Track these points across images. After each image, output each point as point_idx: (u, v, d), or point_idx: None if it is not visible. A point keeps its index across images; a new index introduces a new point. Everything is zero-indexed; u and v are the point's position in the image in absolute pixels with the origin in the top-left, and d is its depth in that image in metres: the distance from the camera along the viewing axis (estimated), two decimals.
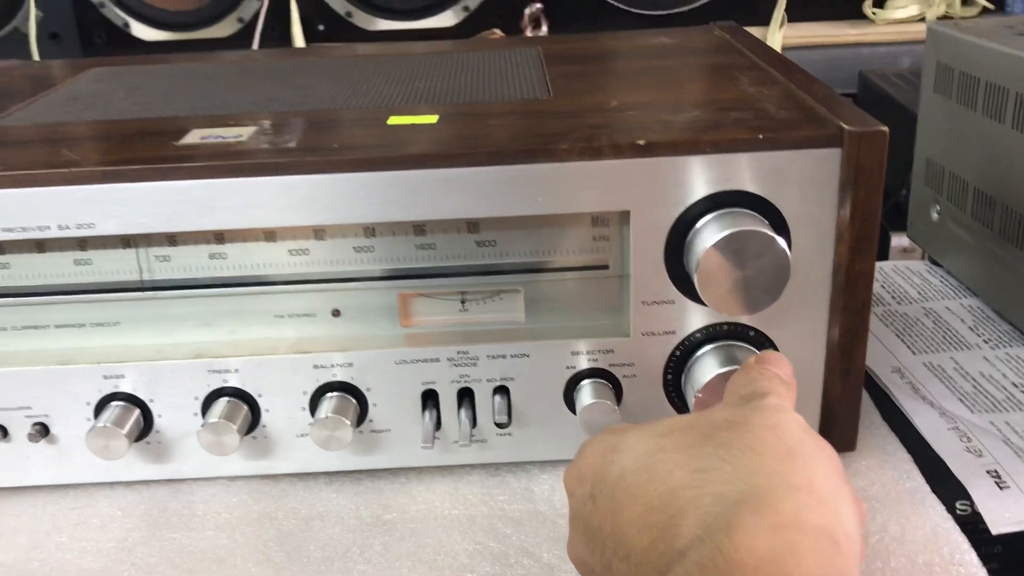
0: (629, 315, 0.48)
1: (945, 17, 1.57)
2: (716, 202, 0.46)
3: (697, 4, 1.58)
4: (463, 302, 0.50)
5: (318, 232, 0.49)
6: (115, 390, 0.49)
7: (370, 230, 0.49)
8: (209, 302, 0.50)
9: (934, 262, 0.75)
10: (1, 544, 0.48)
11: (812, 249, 0.47)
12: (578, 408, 0.48)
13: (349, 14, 1.65)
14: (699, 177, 0.45)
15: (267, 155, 0.46)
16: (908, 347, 0.64)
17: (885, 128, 0.44)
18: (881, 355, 0.62)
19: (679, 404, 0.50)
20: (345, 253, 0.49)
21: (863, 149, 0.45)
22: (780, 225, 0.46)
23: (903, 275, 0.75)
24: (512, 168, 0.45)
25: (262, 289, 0.50)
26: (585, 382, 0.49)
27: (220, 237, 0.49)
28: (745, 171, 0.45)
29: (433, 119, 0.51)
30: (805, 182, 0.46)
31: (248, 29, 1.67)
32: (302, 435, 0.50)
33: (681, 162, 0.45)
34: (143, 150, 0.48)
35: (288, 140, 0.48)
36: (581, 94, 0.55)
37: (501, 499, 0.50)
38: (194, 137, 0.49)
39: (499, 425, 0.50)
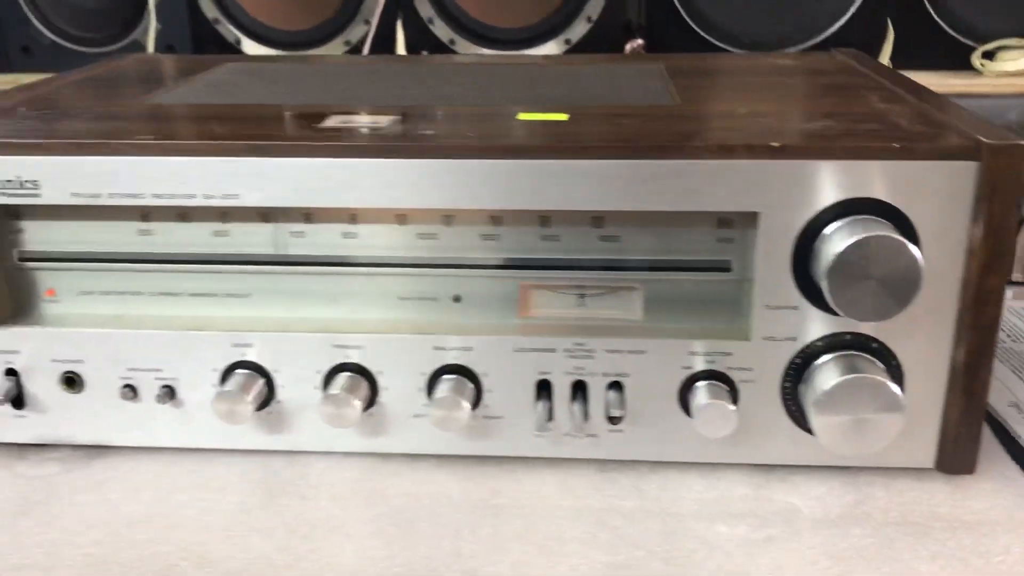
0: (751, 319, 0.48)
1: None
2: (846, 209, 0.46)
3: (800, 47, 1.58)
4: (581, 296, 0.51)
5: (447, 218, 0.50)
6: (242, 358, 0.51)
7: (497, 219, 0.50)
8: (338, 280, 0.51)
9: None
10: (127, 498, 0.50)
11: (942, 263, 0.46)
12: (695, 409, 0.49)
13: (452, 41, 1.68)
14: (831, 182, 0.45)
15: (405, 139, 0.48)
16: (1018, 374, 0.62)
17: (1023, 142, 0.44)
18: (998, 390, 0.61)
19: (795, 413, 0.50)
20: (472, 240, 0.50)
21: (1001, 163, 0.44)
22: (910, 235, 0.46)
23: (1018, 315, 0.73)
24: (644, 163, 0.46)
25: (389, 271, 0.51)
26: (701, 383, 0.49)
27: (353, 217, 0.50)
28: (878, 179, 0.45)
29: (563, 116, 0.52)
30: (939, 194, 0.45)
31: (354, 52, 1.72)
32: (417, 416, 0.51)
33: (814, 166, 0.45)
34: (286, 129, 0.50)
35: (425, 128, 0.50)
36: (709, 102, 0.56)
37: (610, 494, 0.50)
38: (334, 121, 0.51)
39: (611, 420, 0.51)
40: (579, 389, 0.51)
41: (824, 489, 0.50)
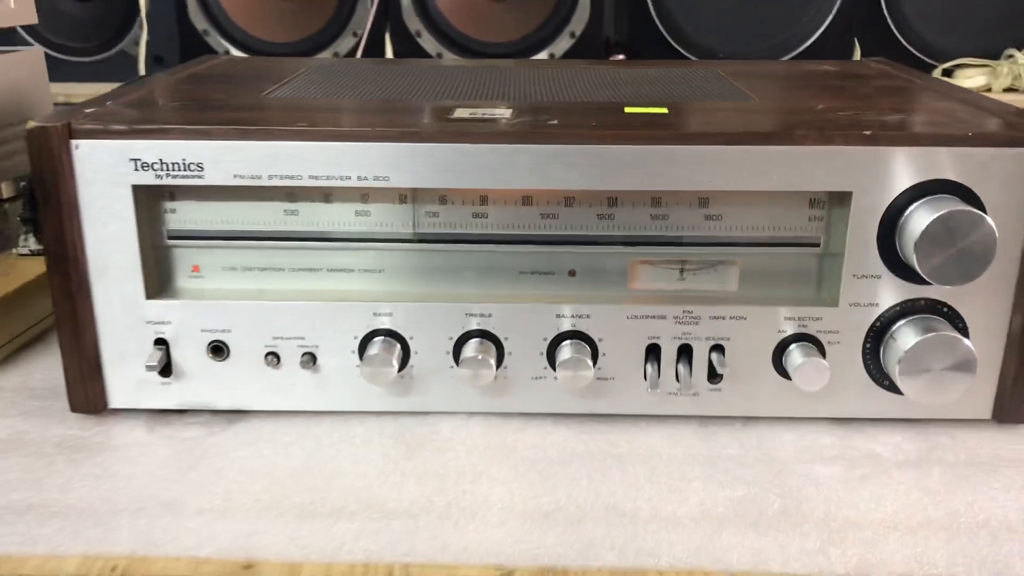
0: (839, 287, 0.55)
1: (1010, 89, 1.65)
2: (925, 189, 0.53)
3: (779, 63, 1.67)
4: (684, 270, 0.57)
5: (568, 198, 0.56)
6: (381, 327, 0.56)
7: (612, 199, 0.56)
8: (467, 256, 0.57)
9: None
10: (280, 453, 0.54)
11: (1004, 236, 0.53)
12: (792, 367, 0.55)
13: (439, 54, 1.74)
14: (914, 166, 0.52)
15: (535, 127, 0.54)
16: None
17: None
18: None
19: (873, 371, 0.57)
20: (589, 219, 0.56)
21: None
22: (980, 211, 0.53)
23: None
24: (752, 148, 0.53)
25: (513, 248, 0.57)
26: (794, 345, 0.56)
27: (484, 198, 0.56)
28: (952, 163, 0.52)
29: (664, 110, 0.59)
30: (1005, 175, 0.53)
31: None
32: (537, 377, 0.57)
33: (901, 152, 0.52)
34: (426, 118, 0.56)
35: (548, 119, 0.56)
36: (785, 99, 0.63)
37: (715, 444, 0.56)
38: (463, 112, 0.57)
39: (711, 380, 0.57)
40: (683, 353, 0.57)
41: (900, 438, 0.57)
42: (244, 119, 0.55)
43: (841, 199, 0.54)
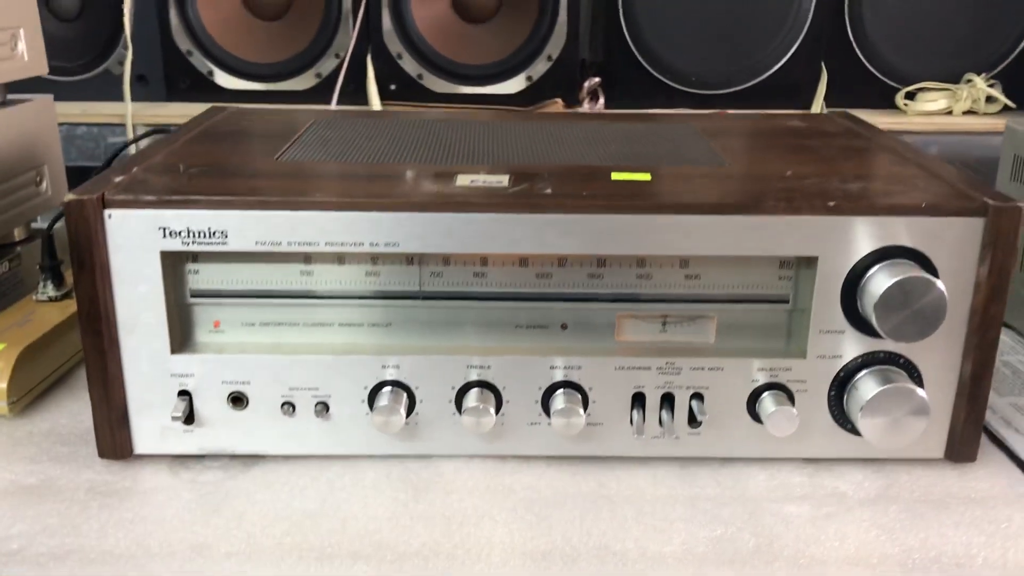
0: (807, 340, 0.61)
1: (970, 112, 1.73)
2: (884, 254, 0.59)
3: (742, 87, 1.74)
4: (666, 324, 0.63)
5: (561, 260, 0.61)
6: (388, 378, 0.61)
7: (602, 261, 0.61)
8: (468, 312, 0.62)
9: (1005, 324, 0.88)
10: (297, 496, 0.59)
11: (955, 297, 0.59)
12: (765, 414, 0.61)
13: (420, 76, 1.78)
14: (873, 233, 0.58)
15: (533, 198, 0.59)
16: (995, 391, 0.76)
17: (1022, 204, 0.58)
18: None
19: (838, 415, 0.62)
20: (580, 278, 0.61)
21: (1003, 219, 0.58)
22: (933, 275, 0.59)
23: None
24: (727, 218, 0.58)
25: (510, 304, 0.62)
26: (767, 393, 0.61)
27: (484, 260, 0.61)
28: (909, 231, 0.58)
29: (647, 176, 0.64)
30: (954, 242, 0.58)
31: (325, 84, 1.80)
32: (532, 423, 0.62)
33: (861, 221, 0.58)
34: (431, 187, 0.61)
35: (543, 187, 0.61)
36: (755, 164, 0.68)
37: (694, 484, 0.61)
38: (465, 180, 0.62)
39: (691, 424, 0.62)
40: (666, 400, 0.62)
41: (861, 476, 0.63)
42: (265, 188, 0.60)
43: (808, 262, 0.60)
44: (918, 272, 0.57)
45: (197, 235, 0.58)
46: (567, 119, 0.83)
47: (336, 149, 0.71)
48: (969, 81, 1.72)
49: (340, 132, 0.77)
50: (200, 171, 0.64)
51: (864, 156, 0.71)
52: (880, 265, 0.58)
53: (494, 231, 0.58)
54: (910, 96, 1.75)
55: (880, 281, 0.57)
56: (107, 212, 0.57)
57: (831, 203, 0.58)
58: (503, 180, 0.62)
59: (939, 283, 0.57)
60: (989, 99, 1.72)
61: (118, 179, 0.61)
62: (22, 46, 0.82)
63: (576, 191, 0.61)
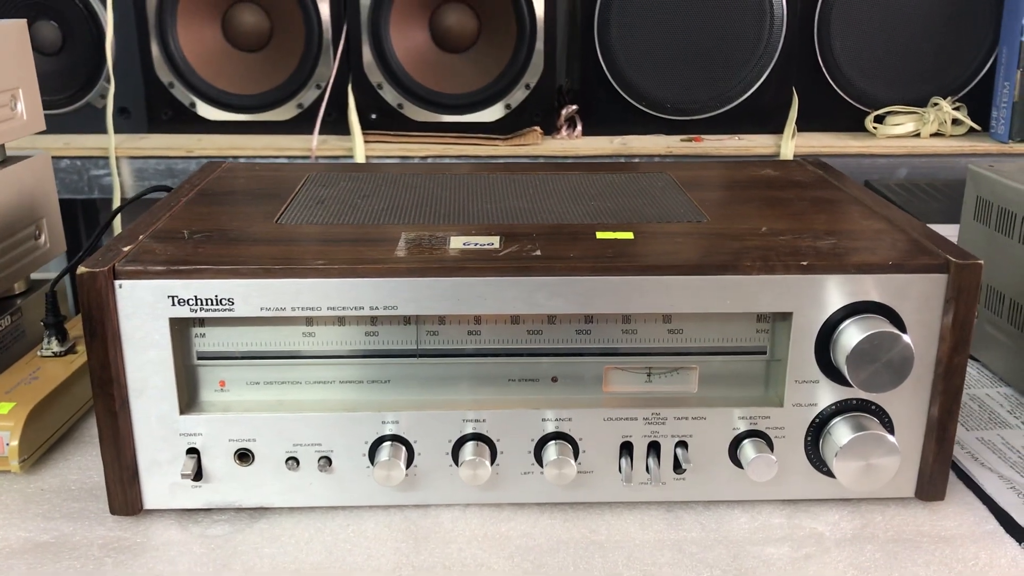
0: (784, 389, 0.64)
1: (937, 134, 1.78)
2: (854, 309, 0.62)
3: (716, 113, 1.78)
4: (649, 375, 0.66)
5: (550, 317, 0.64)
6: (388, 432, 0.64)
7: (589, 318, 0.64)
8: (463, 367, 0.65)
9: (972, 357, 0.92)
10: (303, 548, 0.62)
11: (922, 346, 0.63)
12: (746, 460, 0.64)
13: (400, 105, 1.81)
14: (844, 289, 0.62)
15: (523, 261, 0.62)
16: (963, 426, 0.80)
17: (981, 261, 0.62)
18: None
19: (814, 459, 0.66)
20: (568, 334, 0.65)
21: (964, 275, 0.62)
22: (900, 327, 0.62)
23: None
24: (707, 278, 0.62)
25: (503, 360, 0.65)
26: (747, 440, 0.65)
27: (477, 319, 0.64)
28: (878, 287, 0.62)
29: (630, 235, 0.68)
30: (919, 296, 0.62)
31: (306, 114, 1.83)
32: (526, 472, 0.65)
33: (833, 279, 0.62)
34: (427, 252, 0.64)
35: (532, 249, 0.64)
36: (733, 219, 0.72)
37: (680, 528, 0.65)
38: (458, 243, 0.65)
39: (677, 470, 0.66)
40: (652, 448, 0.66)
41: (837, 516, 0.66)
42: (268, 255, 0.63)
43: (783, 316, 0.63)
44: (886, 327, 0.60)
45: (205, 302, 0.61)
46: (549, 171, 0.86)
47: (332, 209, 0.74)
48: (935, 104, 1.77)
49: (333, 191, 0.80)
50: (204, 237, 0.67)
51: (834, 209, 0.75)
52: (851, 320, 0.62)
53: (487, 293, 0.61)
54: (879, 119, 1.80)
55: (851, 335, 0.61)
56: (118, 283, 0.60)
57: (804, 262, 0.62)
58: (494, 242, 0.65)
59: (906, 337, 0.60)
60: (955, 122, 1.77)
61: (126, 248, 0.63)
62: (21, 106, 0.84)
63: (563, 252, 0.64)
